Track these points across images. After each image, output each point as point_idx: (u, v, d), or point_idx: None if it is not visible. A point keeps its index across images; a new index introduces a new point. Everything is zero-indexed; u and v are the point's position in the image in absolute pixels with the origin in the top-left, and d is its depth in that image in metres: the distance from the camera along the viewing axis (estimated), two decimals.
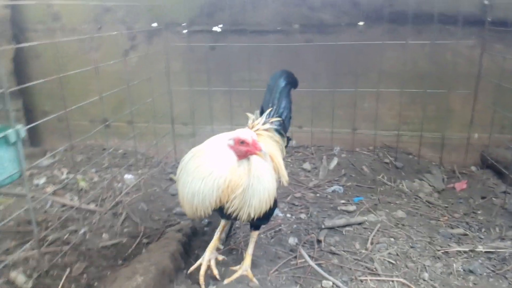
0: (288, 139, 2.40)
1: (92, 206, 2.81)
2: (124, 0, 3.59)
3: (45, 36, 3.78)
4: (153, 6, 3.58)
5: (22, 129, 1.87)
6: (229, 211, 1.82)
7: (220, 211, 1.88)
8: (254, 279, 2.04)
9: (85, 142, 3.99)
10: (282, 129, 2.31)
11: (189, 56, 3.65)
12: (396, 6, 3.32)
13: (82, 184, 3.11)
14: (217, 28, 3.58)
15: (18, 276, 2.02)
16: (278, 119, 2.31)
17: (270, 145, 2.15)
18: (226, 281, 2.02)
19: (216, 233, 2.26)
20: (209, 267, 2.10)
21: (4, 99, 3.88)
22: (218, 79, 3.63)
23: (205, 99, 3.60)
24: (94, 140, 4.01)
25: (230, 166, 1.78)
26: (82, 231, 2.43)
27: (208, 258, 2.13)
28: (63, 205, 2.84)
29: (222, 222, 2.30)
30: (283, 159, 2.25)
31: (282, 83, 2.44)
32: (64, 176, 3.32)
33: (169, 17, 3.60)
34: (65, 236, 2.41)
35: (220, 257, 2.20)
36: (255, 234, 2.15)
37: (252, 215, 1.84)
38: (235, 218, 1.88)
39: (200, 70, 3.61)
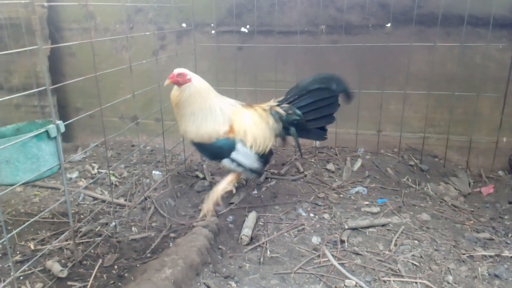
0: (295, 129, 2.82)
1: (121, 201, 2.91)
2: (155, 1, 3.69)
3: (80, 35, 3.94)
4: (183, 7, 3.67)
5: (61, 124, 1.98)
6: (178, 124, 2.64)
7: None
8: (220, 201, 2.70)
9: (115, 139, 4.14)
10: (288, 118, 2.76)
11: (217, 56, 3.73)
12: (425, 8, 3.30)
13: (113, 179, 3.23)
14: (244, 29, 3.64)
15: (54, 265, 2.12)
16: (281, 111, 2.76)
17: (251, 116, 2.72)
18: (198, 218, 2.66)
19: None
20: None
21: (40, 96, 4.05)
22: (245, 79, 3.70)
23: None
24: (123, 137, 4.15)
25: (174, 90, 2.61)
26: (113, 224, 2.53)
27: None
28: (95, 199, 2.97)
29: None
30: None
31: (312, 86, 2.76)
32: (95, 171, 3.45)
33: (198, 18, 3.68)
34: (97, 229, 2.52)
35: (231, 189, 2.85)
36: (229, 176, 2.76)
37: (191, 134, 2.59)
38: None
39: (227, 70, 3.69)
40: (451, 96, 3.27)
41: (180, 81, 2.54)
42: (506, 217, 2.69)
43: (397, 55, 3.39)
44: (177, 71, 2.54)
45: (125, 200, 2.94)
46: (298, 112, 2.76)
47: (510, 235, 2.49)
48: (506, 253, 2.26)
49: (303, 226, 2.58)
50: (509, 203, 2.86)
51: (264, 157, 2.78)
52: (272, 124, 2.76)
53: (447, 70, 3.36)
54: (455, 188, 3.08)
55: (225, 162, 2.68)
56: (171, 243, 2.42)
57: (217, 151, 2.63)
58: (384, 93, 3.40)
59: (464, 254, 2.27)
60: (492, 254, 2.26)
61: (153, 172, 3.37)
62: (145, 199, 2.87)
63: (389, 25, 3.41)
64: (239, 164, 2.67)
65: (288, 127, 2.80)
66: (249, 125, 2.68)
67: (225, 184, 2.75)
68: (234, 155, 2.64)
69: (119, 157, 3.79)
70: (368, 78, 3.46)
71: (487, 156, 3.40)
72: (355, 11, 3.45)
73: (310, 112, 2.79)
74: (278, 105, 2.79)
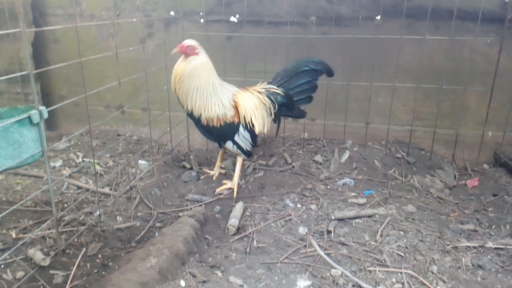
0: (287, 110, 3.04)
1: (106, 190, 2.87)
2: None
3: (65, 21, 3.84)
4: None
5: (44, 110, 1.92)
6: (181, 102, 2.73)
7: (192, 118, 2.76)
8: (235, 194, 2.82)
9: (100, 128, 4.07)
10: (277, 102, 2.95)
11: (205, 46, 3.64)
12: (414, 1, 3.30)
13: (97, 168, 3.17)
14: (234, 19, 3.60)
15: (36, 253, 2.08)
16: (275, 88, 2.96)
17: (251, 99, 2.87)
18: (217, 190, 2.87)
19: (218, 159, 3.15)
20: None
21: (23, 83, 3.95)
22: (234, 69, 3.65)
23: None
24: (109, 126, 4.08)
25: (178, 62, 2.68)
26: (97, 213, 2.49)
27: (214, 172, 3.10)
28: (79, 188, 2.91)
29: (220, 150, 3.11)
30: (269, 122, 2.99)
31: (301, 68, 2.96)
32: (79, 160, 3.39)
33: (187, 6, 3.62)
34: (81, 217, 2.48)
35: (223, 171, 3.14)
36: (239, 159, 2.94)
37: (197, 112, 2.69)
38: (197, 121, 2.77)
39: (216, 60, 3.61)
40: (439, 90, 3.29)
41: (188, 52, 2.64)
42: (490, 209, 2.73)
43: (386, 47, 3.39)
44: (188, 42, 2.64)
45: (110, 189, 2.90)
46: (289, 93, 2.96)
47: (493, 226, 2.52)
48: (489, 244, 2.29)
49: (290, 217, 2.58)
50: (494, 195, 2.90)
51: (255, 139, 2.95)
52: (268, 105, 2.92)
53: (436, 64, 3.37)
54: (441, 181, 3.11)
55: (229, 144, 2.85)
56: (156, 233, 2.39)
57: (223, 134, 2.80)
58: (373, 85, 3.40)
59: (448, 245, 2.30)
60: (476, 245, 2.29)
61: (139, 161, 3.33)
62: (131, 188, 2.83)
63: (379, 17, 3.41)
64: (239, 146, 2.85)
65: (279, 107, 2.97)
66: (252, 108, 2.84)
67: (240, 166, 2.96)
68: (236, 137, 2.83)
69: (104, 146, 3.73)
70: (357, 70, 3.45)
71: (472, 149, 3.44)
72: (345, 3, 3.43)
73: (297, 93, 3.01)
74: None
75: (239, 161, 2.95)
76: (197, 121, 2.77)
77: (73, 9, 3.83)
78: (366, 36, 3.31)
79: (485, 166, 3.37)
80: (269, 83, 3.02)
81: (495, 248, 2.25)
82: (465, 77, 3.28)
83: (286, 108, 3.00)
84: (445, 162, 3.40)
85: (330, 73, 3.00)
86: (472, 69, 3.28)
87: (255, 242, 2.33)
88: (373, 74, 3.39)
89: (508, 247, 2.26)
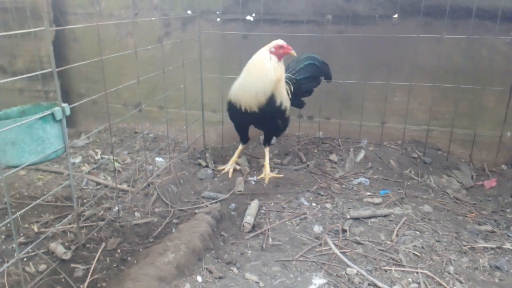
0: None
1: (125, 186, 2.92)
2: None
3: (84, 20, 3.92)
4: None
5: (67, 107, 1.98)
6: (277, 100, 2.82)
7: (250, 118, 2.91)
8: (278, 175, 3.09)
9: (118, 125, 4.14)
10: (293, 85, 3.14)
11: (222, 44, 3.71)
12: (432, 0, 3.27)
13: (116, 165, 3.23)
14: (250, 17, 3.62)
15: (57, 247, 2.14)
16: (291, 76, 3.18)
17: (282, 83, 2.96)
18: (257, 177, 3.07)
19: (235, 154, 3.24)
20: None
21: (44, 81, 4.04)
22: None
23: None
24: (126, 124, 4.15)
25: (276, 67, 2.74)
26: (116, 208, 2.55)
27: (230, 167, 3.18)
28: (98, 184, 2.97)
29: (240, 146, 3.26)
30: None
31: (308, 61, 3.24)
32: (98, 157, 3.45)
33: (204, 5, 3.66)
34: (100, 213, 2.53)
35: (238, 167, 3.22)
36: (267, 149, 3.14)
37: (283, 106, 2.89)
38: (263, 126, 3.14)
39: (232, 59, 3.67)
40: (457, 89, 3.25)
41: (283, 54, 2.78)
42: (508, 210, 2.70)
43: (403, 46, 3.37)
44: (280, 43, 2.75)
45: (128, 186, 2.95)
46: (300, 81, 3.20)
47: (511, 228, 2.49)
48: (507, 245, 2.27)
49: (305, 215, 2.59)
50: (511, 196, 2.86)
51: None
52: (288, 89, 3.08)
53: (453, 63, 3.34)
54: (458, 181, 3.08)
55: (278, 122, 3.05)
56: (173, 229, 2.43)
57: (284, 112, 3.00)
58: (389, 84, 3.38)
59: (465, 245, 2.28)
60: (494, 246, 2.27)
61: (156, 158, 3.38)
62: (148, 185, 2.87)
63: (396, 16, 3.38)
64: (284, 124, 3.11)
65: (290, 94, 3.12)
66: (283, 90, 2.99)
67: (268, 159, 3.14)
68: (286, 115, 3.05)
69: (122, 143, 3.79)
70: (374, 69, 3.44)
71: (490, 150, 3.40)
72: (362, 1, 3.42)
73: (304, 85, 3.24)
74: None
75: (267, 151, 3.16)
76: (272, 109, 2.84)
77: (93, 8, 3.90)
78: (383, 35, 3.30)
79: (503, 167, 3.32)
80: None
81: None
82: (483, 76, 3.24)
83: (294, 96, 3.13)
84: (462, 162, 3.37)
85: (329, 77, 3.27)
86: (491, 69, 3.24)
87: (270, 240, 2.35)
88: (389, 73, 3.37)
89: None
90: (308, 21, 3.53)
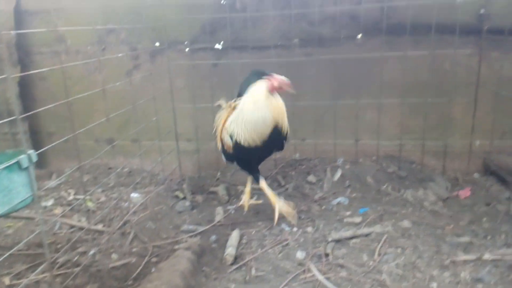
0: None
1: (100, 227, 2.84)
2: (127, 21, 3.66)
3: (50, 58, 3.85)
4: (156, 26, 3.65)
5: (33, 154, 1.92)
6: (282, 129, 2.68)
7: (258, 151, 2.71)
8: (257, 201, 3.06)
9: (91, 162, 4.03)
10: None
11: (192, 74, 3.71)
12: (394, 19, 3.37)
13: (90, 204, 3.15)
14: (218, 46, 3.64)
15: None
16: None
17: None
18: (237, 205, 3.04)
19: (247, 186, 3.08)
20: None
21: (11, 123, 3.93)
22: (221, 95, 3.67)
23: (208, 116, 3.63)
24: (99, 160, 4.05)
25: (272, 101, 2.60)
26: (91, 252, 2.46)
27: (244, 201, 3.04)
28: (72, 227, 2.88)
29: (249, 178, 3.06)
30: None
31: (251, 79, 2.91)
32: (71, 197, 3.35)
33: (172, 36, 3.66)
34: (75, 258, 2.44)
35: (254, 202, 3.08)
36: (262, 184, 2.84)
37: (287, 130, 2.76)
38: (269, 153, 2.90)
39: (203, 87, 3.67)
40: (424, 103, 3.34)
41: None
42: (484, 219, 2.74)
43: (370, 65, 3.45)
44: (280, 78, 2.64)
45: (104, 226, 2.87)
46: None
47: (489, 237, 2.53)
48: (486, 256, 2.29)
49: (287, 241, 2.57)
50: (486, 205, 2.92)
51: None
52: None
53: (419, 78, 3.43)
54: (434, 193, 3.12)
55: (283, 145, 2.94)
56: (153, 268, 2.36)
57: (285, 138, 2.86)
58: (359, 103, 3.44)
59: (446, 259, 2.29)
60: (474, 257, 2.29)
61: (132, 194, 3.30)
62: (124, 223, 2.80)
63: (360, 36, 3.47)
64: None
65: None
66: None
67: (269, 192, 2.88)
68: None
69: (95, 181, 3.70)
70: (344, 89, 3.50)
71: (462, 159, 3.48)
72: (326, 24, 3.50)
73: None
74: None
75: (263, 185, 2.88)
76: (275, 139, 2.68)
77: (59, 46, 3.84)
78: (349, 55, 3.37)
79: (476, 175, 3.40)
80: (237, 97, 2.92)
81: (492, 260, 2.26)
82: (449, 89, 3.34)
83: None
84: (436, 173, 3.43)
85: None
86: (455, 81, 3.34)
87: (253, 271, 2.31)
88: (359, 91, 3.44)
89: (505, 257, 2.27)
90: (275, 46, 3.58)
